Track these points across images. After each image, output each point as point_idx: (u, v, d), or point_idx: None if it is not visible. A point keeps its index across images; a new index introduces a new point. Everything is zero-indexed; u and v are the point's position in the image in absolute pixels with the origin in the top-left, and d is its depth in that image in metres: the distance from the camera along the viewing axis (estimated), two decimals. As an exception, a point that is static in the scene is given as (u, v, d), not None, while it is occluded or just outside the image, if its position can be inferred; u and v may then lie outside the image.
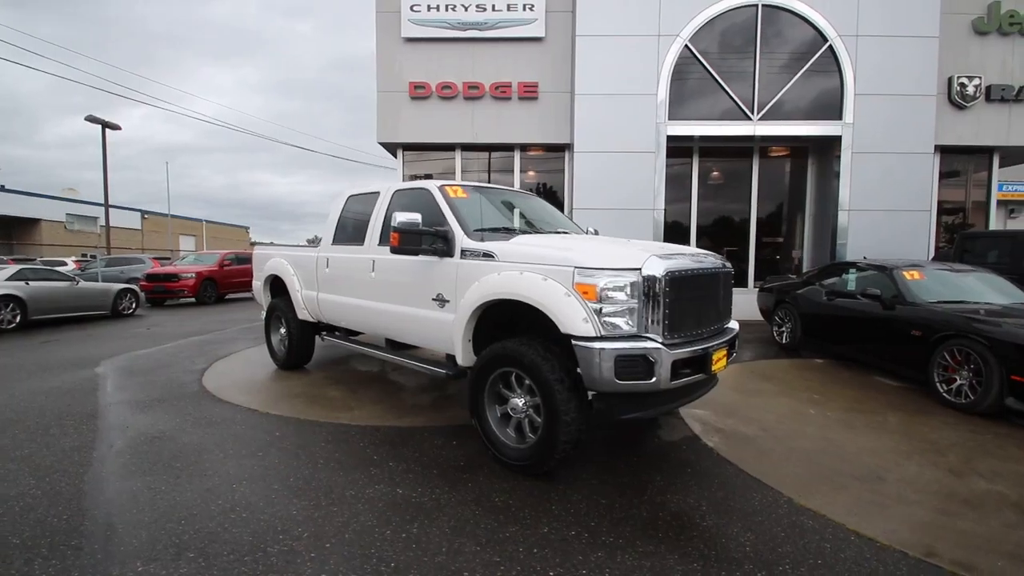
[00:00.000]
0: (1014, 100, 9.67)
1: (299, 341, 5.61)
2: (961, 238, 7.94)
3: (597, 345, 2.80)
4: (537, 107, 9.92)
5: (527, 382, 3.14)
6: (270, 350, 6.06)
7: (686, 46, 9.32)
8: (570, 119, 9.90)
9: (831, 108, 9.40)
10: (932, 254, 9.81)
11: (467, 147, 10.33)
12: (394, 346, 4.68)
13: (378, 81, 9.91)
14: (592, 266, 2.91)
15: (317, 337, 5.58)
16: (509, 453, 3.21)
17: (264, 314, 6.32)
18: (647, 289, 2.89)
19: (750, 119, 9.43)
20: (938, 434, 3.98)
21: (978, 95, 9.61)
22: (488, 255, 3.40)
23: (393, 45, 9.86)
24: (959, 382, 4.61)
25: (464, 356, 3.55)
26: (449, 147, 10.36)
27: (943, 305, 5.09)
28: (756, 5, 9.24)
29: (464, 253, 3.57)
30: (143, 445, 3.56)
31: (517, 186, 10.37)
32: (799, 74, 9.35)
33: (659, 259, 2.98)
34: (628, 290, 2.86)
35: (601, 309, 2.84)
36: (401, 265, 4.03)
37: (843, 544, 2.45)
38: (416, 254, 3.72)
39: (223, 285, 14.52)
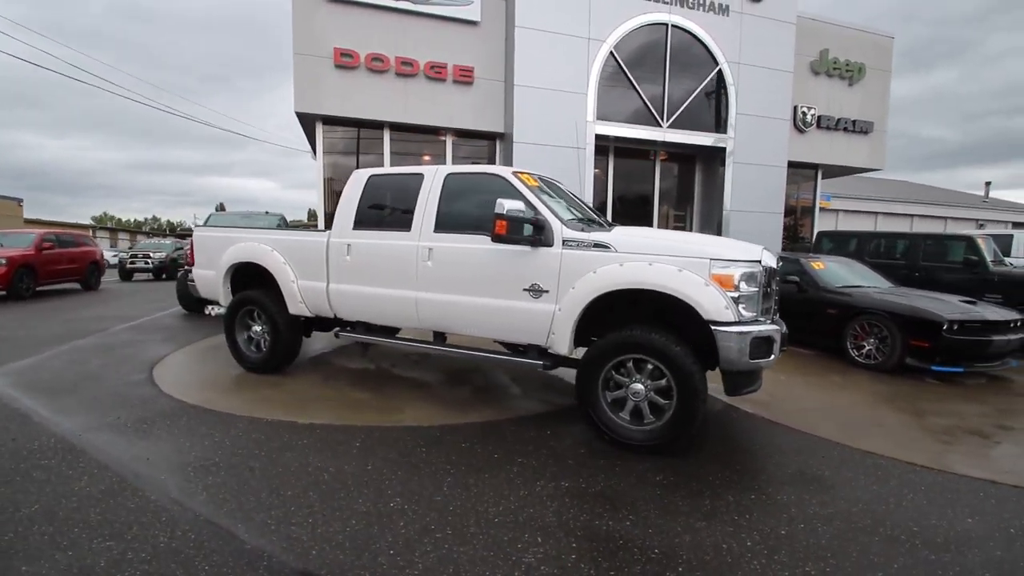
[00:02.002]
0: (834, 128, 12.55)
1: (288, 340, 4.86)
2: (819, 235, 10.16)
3: (737, 329, 3.12)
4: (472, 92, 9.77)
5: (649, 367, 3.33)
6: (235, 352, 5.10)
7: (611, 53, 10.08)
8: (504, 108, 9.98)
9: (721, 122, 11.08)
10: (780, 247, 12.27)
11: (397, 126, 9.72)
12: (436, 339, 4.39)
13: (295, 42, 8.72)
14: (728, 258, 3.21)
15: (312, 332, 4.90)
16: (634, 435, 3.35)
17: (217, 310, 5.31)
18: (762, 279, 3.30)
19: (660, 126, 10.62)
20: (874, 387, 5.19)
21: (812, 122, 12.25)
22: (601, 246, 3.46)
23: (313, 3, 8.75)
24: (867, 348, 6.04)
25: (567, 346, 3.56)
26: (377, 124, 9.62)
27: (848, 289, 6.57)
28: (666, 24, 10.38)
29: (567, 243, 3.56)
30: (216, 476, 2.85)
31: (449, 172, 10.10)
32: (698, 90, 10.81)
33: (767, 253, 3.41)
34: (756, 279, 3.23)
35: (737, 297, 3.16)
36: (476, 255, 3.83)
37: (910, 471, 3.19)
38: (517, 243, 3.59)
39: (44, 274, 11.32)
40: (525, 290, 3.67)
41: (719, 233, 11.34)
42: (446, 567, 2.09)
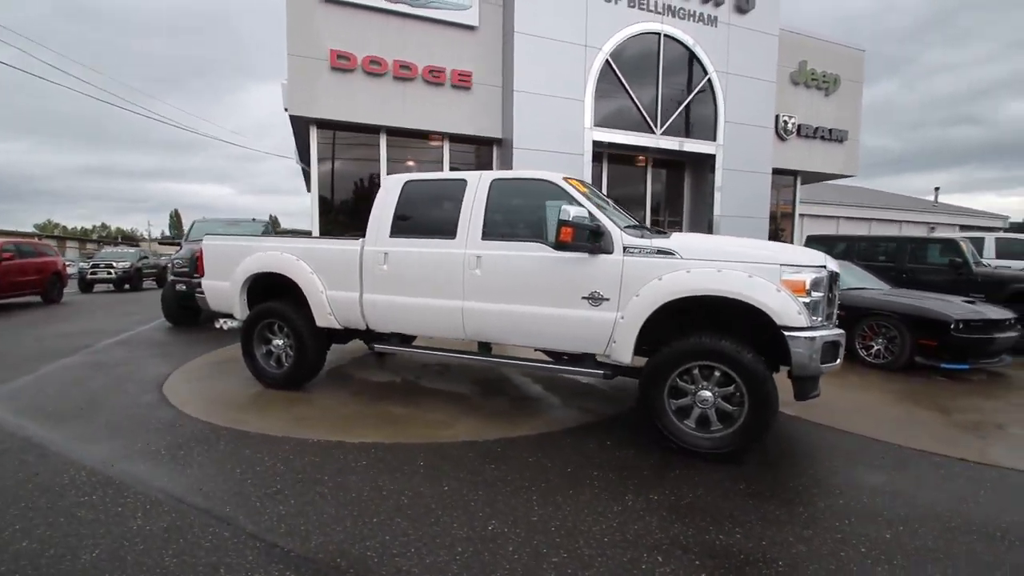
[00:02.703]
0: (812, 136, 13.06)
1: (314, 354, 4.61)
2: (809, 239, 10.53)
3: (809, 334, 3.13)
4: (470, 97, 9.66)
5: (717, 374, 3.31)
6: (253, 367, 4.81)
7: (607, 60, 10.17)
8: (502, 114, 9.91)
9: (709, 130, 11.34)
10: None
11: (393, 131, 9.49)
12: (481, 350, 4.25)
13: (289, 42, 8.40)
14: (798, 263, 3.23)
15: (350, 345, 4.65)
16: (702, 443, 3.31)
17: (230, 324, 5.01)
18: (827, 284, 3.33)
19: (654, 132, 10.78)
20: (891, 386, 5.35)
21: (793, 130, 12.71)
22: (666, 252, 3.42)
23: (309, 3, 8.47)
24: (876, 347, 6.24)
25: (629, 354, 3.50)
26: (374, 129, 9.37)
27: (853, 291, 6.78)
28: (659, 34, 10.57)
29: (628, 250, 3.51)
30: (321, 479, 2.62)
31: (446, 177, 9.95)
32: (689, 98, 11.04)
33: (830, 258, 3.45)
34: (823, 285, 3.26)
35: (808, 302, 3.18)
36: (531, 262, 3.73)
37: (967, 468, 3.27)
38: (579, 251, 3.51)
39: (3, 286, 10.47)
40: (584, 298, 3.60)
41: (709, 238, 11.57)
42: (581, 594, 1.98)
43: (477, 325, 3.96)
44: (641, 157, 11.82)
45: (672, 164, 12.25)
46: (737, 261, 3.29)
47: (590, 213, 3.55)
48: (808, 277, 3.19)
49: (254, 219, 10.06)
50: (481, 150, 10.40)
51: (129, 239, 64.62)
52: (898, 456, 3.49)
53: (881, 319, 6.17)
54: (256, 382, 4.82)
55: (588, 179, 10.15)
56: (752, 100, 11.59)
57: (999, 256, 9.47)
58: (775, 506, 2.73)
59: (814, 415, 4.26)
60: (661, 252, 3.44)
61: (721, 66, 11.13)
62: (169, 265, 8.36)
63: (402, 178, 4.38)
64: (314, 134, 9.04)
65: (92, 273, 16.26)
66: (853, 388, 5.26)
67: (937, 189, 33.18)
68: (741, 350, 3.20)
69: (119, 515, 2.50)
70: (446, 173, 4.39)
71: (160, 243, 11.33)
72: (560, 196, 3.83)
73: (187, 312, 8.23)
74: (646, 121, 10.69)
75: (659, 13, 10.44)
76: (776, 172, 12.80)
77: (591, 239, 3.51)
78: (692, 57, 10.93)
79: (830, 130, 13.30)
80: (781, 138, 12.60)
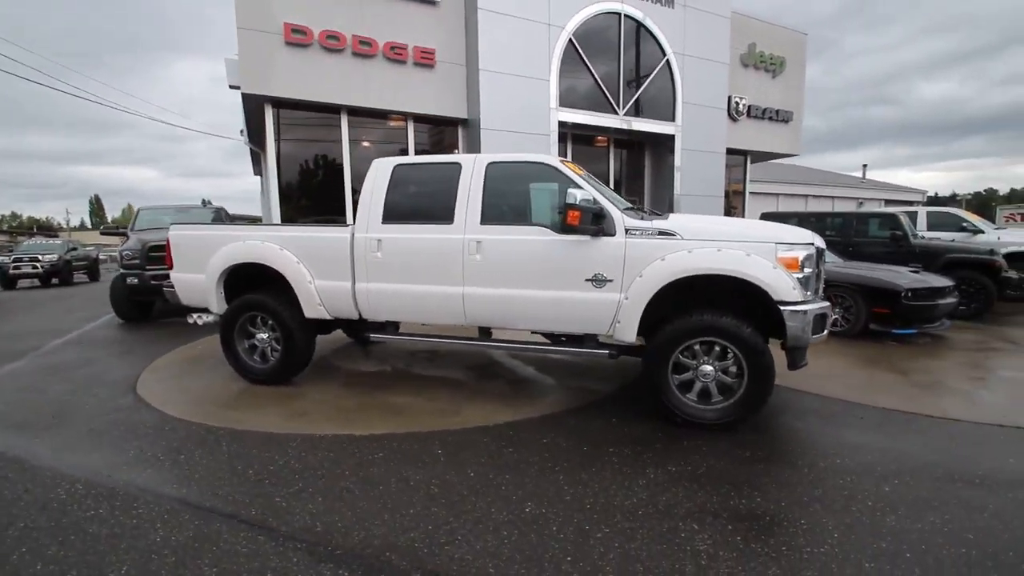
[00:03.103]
0: (761, 117, 13.63)
1: (303, 346, 4.45)
2: (763, 216, 11.06)
3: (802, 308, 3.34)
4: (434, 76, 9.39)
5: (717, 348, 3.48)
6: (236, 363, 4.58)
7: (570, 40, 10.13)
8: (467, 93, 9.71)
9: (669, 111, 11.60)
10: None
11: (355, 111, 9.10)
12: (482, 335, 4.24)
13: (238, 15, 7.82)
14: (791, 241, 3.41)
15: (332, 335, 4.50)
16: (706, 415, 3.48)
17: (206, 318, 4.74)
18: (816, 259, 3.55)
19: (617, 113, 10.90)
20: (851, 351, 5.79)
21: (743, 111, 13.21)
22: (667, 233, 3.52)
23: (259, -28, 7.89)
24: (834, 316, 6.71)
25: (633, 334, 3.61)
26: (334, 108, 8.95)
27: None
28: (619, 13, 10.62)
29: (630, 232, 3.58)
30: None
31: (412, 159, 9.69)
32: (648, 79, 11.22)
33: (816, 236, 3.66)
34: (813, 260, 3.46)
35: (801, 278, 3.38)
36: (533, 246, 3.74)
37: (935, 424, 3.63)
38: (583, 234, 3.55)
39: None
40: (587, 280, 3.65)
41: (670, 216, 11.93)
42: (633, 566, 2.07)
43: (478, 310, 3.95)
44: (603, 137, 11.96)
45: (633, 144, 12.46)
46: (735, 240, 3.43)
47: (593, 196, 3.58)
48: (800, 254, 3.38)
49: (204, 202, 9.43)
50: (445, 131, 10.17)
51: (45, 229, 58.97)
52: (873, 416, 3.81)
53: (838, 290, 6.62)
54: (238, 378, 4.60)
55: (555, 160, 10.18)
56: (707, 82, 11.93)
57: (930, 228, 10.34)
58: (781, 469, 2.93)
59: (790, 382, 4.55)
60: (663, 233, 3.53)
61: (678, 47, 11.36)
62: (118, 257, 7.73)
63: (391, 162, 4.24)
64: (269, 114, 8.52)
65: (15, 267, 14.79)
66: (819, 355, 5.64)
67: (865, 166, 35.60)
68: (741, 325, 3.37)
69: (137, 528, 2.36)
70: (437, 156, 4.30)
71: (103, 233, 10.25)
72: (559, 179, 3.84)
73: (139, 307, 7.69)
74: (609, 102, 10.79)
75: (620, -8, 10.47)
76: (728, 152, 13.30)
77: (594, 222, 3.56)
78: (651, 38, 11.08)
79: (777, 111, 13.93)
80: (733, 119, 13.07)
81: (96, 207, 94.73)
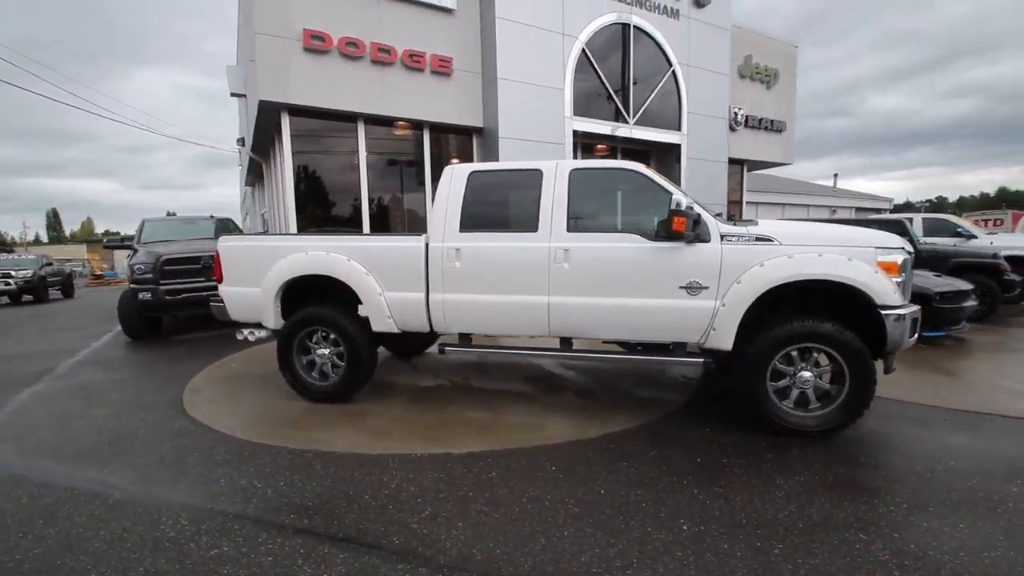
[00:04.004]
0: (757, 127, 14.00)
1: (369, 361, 4.26)
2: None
3: (903, 311, 3.36)
4: (451, 84, 9.30)
5: (815, 354, 3.46)
6: (295, 381, 4.34)
7: (583, 50, 10.21)
8: (482, 102, 9.65)
9: (675, 120, 11.79)
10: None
11: (371, 119, 8.91)
12: (563, 345, 4.13)
13: (257, 20, 7.59)
14: (890, 246, 3.44)
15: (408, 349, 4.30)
16: (806, 422, 3.45)
17: (258, 334, 4.50)
18: (910, 264, 3.58)
19: (627, 122, 11.02)
20: (892, 355, 5.91)
21: (742, 121, 13.54)
22: (764, 239, 3.50)
23: (277, -24, 7.68)
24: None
25: (731, 341, 3.56)
26: (351, 117, 8.74)
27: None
28: (629, 25, 10.77)
29: (726, 238, 3.55)
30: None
31: (428, 168, 9.56)
32: (656, 89, 11.39)
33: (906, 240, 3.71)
34: (909, 265, 3.50)
35: (900, 282, 3.40)
36: (625, 253, 3.66)
37: (1012, 423, 3.70)
38: (678, 240, 3.50)
39: None
40: (681, 288, 3.60)
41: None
42: (833, 583, 1.99)
43: (564, 320, 3.84)
44: (610, 146, 12.04)
45: (639, 153, 12.59)
46: (835, 245, 3.44)
47: (691, 202, 3.54)
48: (899, 258, 3.41)
49: (212, 216, 9.05)
50: (460, 139, 10.07)
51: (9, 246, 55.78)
52: (952, 417, 3.85)
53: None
54: (292, 396, 4.37)
55: (569, 169, 10.18)
56: (710, 92, 12.19)
57: (926, 234, 10.74)
58: (906, 475, 2.91)
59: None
60: (760, 239, 3.51)
61: (683, 58, 11.58)
62: (127, 271, 7.31)
63: (466, 168, 4.12)
64: (286, 122, 8.26)
65: (-15, 284, 13.86)
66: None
67: (836, 176, 36.96)
68: (843, 330, 3.36)
69: (277, 566, 2.15)
70: (513, 163, 4.17)
71: (105, 246, 9.71)
72: (648, 186, 3.80)
73: (149, 324, 7.27)
74: (619, 111, 10.90)
75: (629, 4, 10.63)
76: (728, 161, 13.60)
77: (691, 228, 3.51)
78: (658, 48, 11.26)
79: (771, 121, 14.35)
80: (732, 129, 13.38)
81: (53, 220, 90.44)
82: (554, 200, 3.85)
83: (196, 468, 3.11)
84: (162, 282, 6.88)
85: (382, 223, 9.34)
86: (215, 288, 7.13)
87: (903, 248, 3.51)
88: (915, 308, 3.50)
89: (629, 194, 4.00)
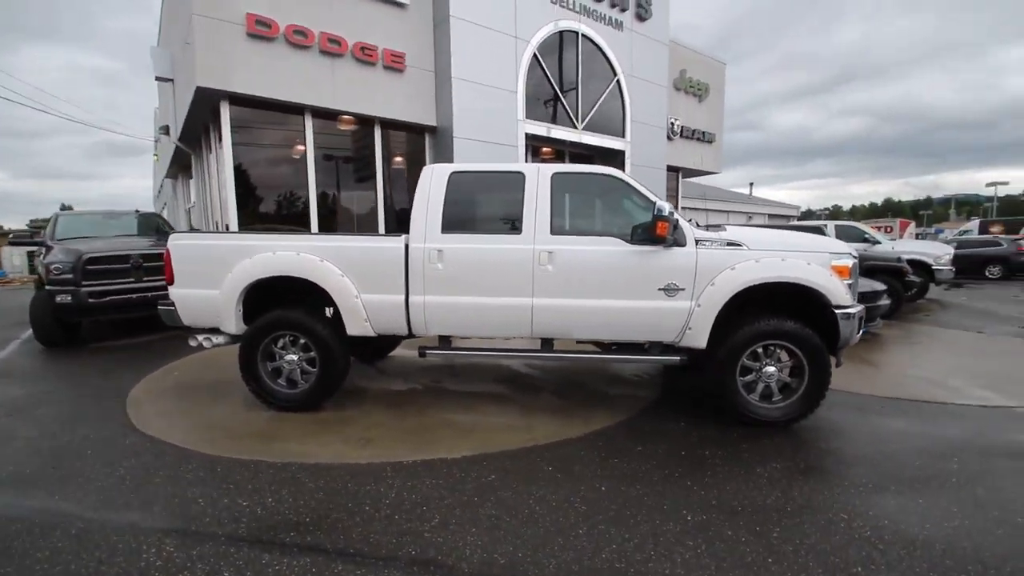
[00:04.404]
0: (690, 137, 14.86)
1: (342, 367, 4.09)
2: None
3: (853, 311, 3.73)
4: (403, 81, 9.09)
5: (778, 351, 3.76)
6: (260, 389, 4.06)
7: (535, 54, 10.35)
8: (435, 100, 9.52)
9: (619, 127, 12.25)
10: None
11: (319, 112, 8.52)
12: (544, 347, 4.17)
13: (196, 0, 7.01)
14: (842, 251, 3.80)
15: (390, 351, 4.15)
16: (772, 414, 3.74)
17: (216, 340, 4.19)
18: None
19: (576, 127, 11.30)
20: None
21: (678, 131, 14.32)
22: (734, 244, 3.75)
23: (217, -46, 7.14)
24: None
25: (705, 339, 3.78)
26: (297, 109, 8.30)
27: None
28: (577, 33, 11.06)
29: (700, 243, 3.77)
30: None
31: (379, 166, 9.30)
32: (603, 97, 11.77)
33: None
34: (856, 269, 3.88)
35: (850, 284, 3.77)
36: (608, 256, 3.78)
37: (931, 408, 4.22)
38: (656, 244, 3.66)
39: None
40: (660, 289, 3.77)
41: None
42: (833, 559, 2.18)
43: (547, 322, 3.89)
44: (548, 149, 12.28)
45: (584, 158, 12.94)
46: (796, 251, 3.75)
47: (670, 209, 3.72)
48: (849, 262, 3.78)
49: (137, 211, 8.23)
50: (412, 137, 9.87)
51: None
52: (887, 404, 4.31)
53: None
54: (253, 406, 4.11)
55: (522, 171, 10.29)
56: (651, 102, 12.79)
57: (838, 239, 11.97)
58: (869, 457, 3.24)
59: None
60: (731, 244, 3.76)
61: (627, 69, 12.07)
62: (41, 271, 6.48)
63: (447, 168, 4.06)
64: (226, 111, 7.70)
65: None
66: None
67: (752, 184, 40.01)
68: (804, 328, 3.68)
69: (289, 586, 2.03)
70: (493, 165, 4.16)
71: (12, 243, 8.42)
72: (626, 191, 3.94)
73: (66, 329, 6.50)
74: (569, 116, 11.16)
75: (577, 12, 10.92)
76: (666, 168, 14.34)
77: (671, 233, 3.68)
78: (604, 58, 11.66)
79: (703, 132, 15.29)
80: (669, 138, 14.12)
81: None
82: (537, 203, 3.89)
83: (166, 488, 2.84)
84: (84, 283, 6.17)
85: (331, 221, 8.96)
86: (145, 290, 6.61)
87: (851, 254, 3.89)
88: (861, 308, 3.89)
89: (607, 199, 4.13)
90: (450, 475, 2.99)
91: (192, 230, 9.40)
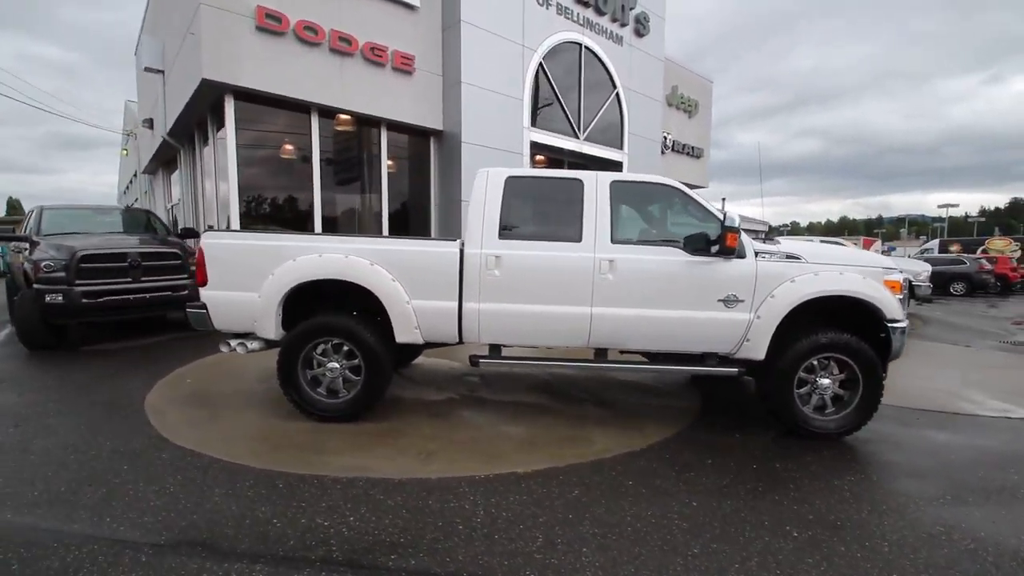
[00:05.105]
0: (681, 152, 15.19)
1: (388, 375, 3.90)
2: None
3: (903, 325, 3.81)
4: (411, 83, 8.93)
5: (831, 363, 3.80)
6: (300, 399, 3.83)
7: (540, 64, 10.37)
8: (442, 104, 9.39)
9: (617, 139, 12.39)
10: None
11: (326, 111, 8.26)
12: (598, 356, 4.09)
13: (204, -12, 6.70)
14: (893, 267, 3.88)
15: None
16: (828, 426, 3.76)
17: (251, 346, 3.94)
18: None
19: (578, 138, 11.36)
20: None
21: (670, 145, 14.62)
22: (794, 257, 3.79)
23: (229, -57, 6.86)
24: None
25: (764, 351, 3.78)
26: (304, 107, 8.02)
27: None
28: (580, 45, 11.16)
29: (760, 255, 3.78)
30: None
31: (384, 168, 9.09)
32: (603, 109, 11.90)
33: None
34: (907, 284, 3.98)
35: (901, 299, 3.85)
36: (670, 266, 3.75)
37: (966, 420, 4.36)
38: (718, 256, 3.66)
39: None
40: (719, 300, 3.76)
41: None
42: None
43: (605, 331, 3.82)
44: (541, 157, 12.30)
45: (582, 168, 13.02)
46: (852, 265, 3.81)
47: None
48: (900, 278, 3.87)
49: (128, 207, 7.74)
50: (417, 141, 9.69)
51: None
52: (921, 416, 4.42)
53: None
54: (286, 417, 3.88)
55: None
56: (647, 116, 13.02)
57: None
58: (928, 470, 3.29)
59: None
60: (790, 257, 3.79)
61: (626, 82, 12.25)
62: (28, 268, 5.97)
63: (502, 172, 3.96)
64: (231, 107, 7.36)
65: None
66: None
67: (724, 200, 41.21)
68: (860, 342, 3.73)
69: (415, 616, 1.86)
70: (551, 171, 4.09)
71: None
72: (684, 201, 3.93)
73: (56, 332, 6.02)
74: (571, 126, 11.22)
75: (581, 25, 11.02)
76: (657, 181, 14.54)
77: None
78: (605, 70, 11.80)
79: (692, 147, 15.67)
80: (662, 152, 14.40)
81: None
82: (597, 211, 3.83)
83: (231, 508, 2.60)
84: (78, 282, 5.74)
85: (334, 223, 8.67)
86: (145, 291, 6.20)
87: (899, 269, 3.99)
88: (907, 323, 3.99)
89: (663, 208, 4.11)
90: (531, 491, 2.86)
91: (228, 229, 8.93)
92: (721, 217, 3.77)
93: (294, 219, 8.24)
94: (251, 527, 2.43)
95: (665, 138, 14.37)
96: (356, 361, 3.86)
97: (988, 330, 9.65)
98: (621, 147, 12.45)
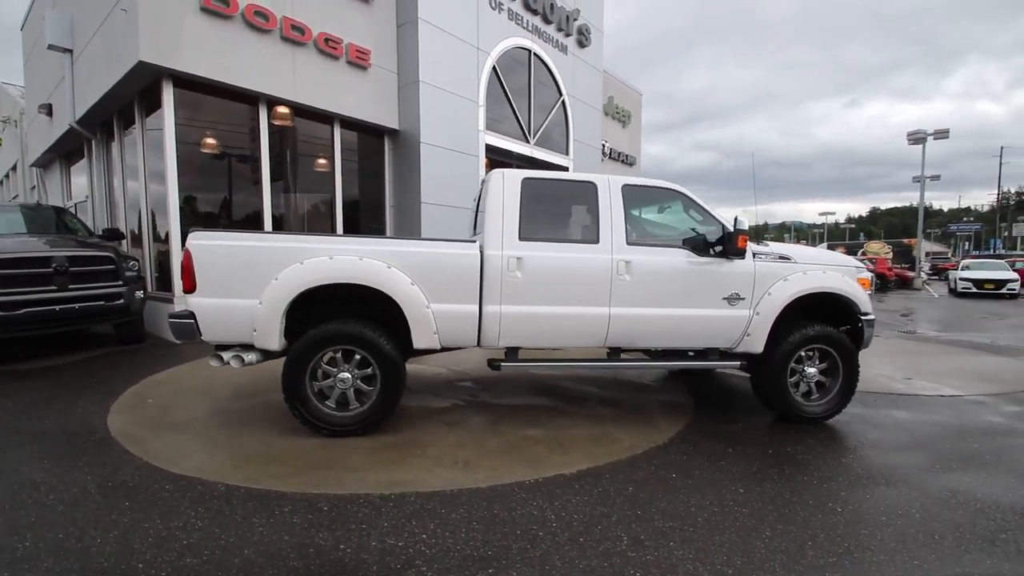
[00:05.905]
0: (616, 159, 15.90)
1: (403, 383, 3.71)
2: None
3: (871, 318, 4.30)
4: (367, 79, 8.54)
5: (815, 354, 4.20)
6: (308, 413, 3.52)
7: (494, 67, 10.37)
8: (398, 103, 9.09)
9: (563, 145, 12.70)
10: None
11: (275, 102, 7.66)
12: (612, 355, 4.16)
13: (139, -41, 5.95)
14: (860, 266, 4.36)
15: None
16: (815, 411, 4.14)
17: (249, 358, 3.57)
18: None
19: (528, 142, 11.50)
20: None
21: (608, 153, 15.24)
22: (785, 257, 4.13)
23: (169, -87, 6.15)
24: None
25: (762, 345, 4.08)
26: (251, 98, 7.37)
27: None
28: (530, 51, 11.32)
29: (757, 256, 4.08)
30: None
31: (339, 167, 8.62)
32: (551, 115, 12.14)
33: (856, 261, 4.72)
34: (873, 279, 4.48)
35: (869, 294, 4.34)
36: (680, 267, 3.93)
37: (911, 399, 5.01)
38: (722, 256, 3.90)
39: None
40: (724, 298, 4.01)
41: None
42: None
43: (621, 331, 3.92)
44: (485, 161, 12.32)
45: (527, 172, 13.19)
46: (831, 264, 4.23)
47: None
48: (868, 275, 4.36)
49: (39, 204, 6.65)
50: (370, 139, 9.27)
51: None
52: (876, 399, 5.00)
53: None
54: (286, 432, 3.58)
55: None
56: (588, 124, 13.48)
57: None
58: (909, 442, 3.74)
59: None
60: (782, 257, 4.13)
61: (571, 90, 12.61)
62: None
63: (518, 174, 3.92)
64: (169, 93, 6.58)
65: None
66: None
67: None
68: (840, 333, 4.15)
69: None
70: (564, 174, 4.10)
71: None
72: (689, 205, 4.14)
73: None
74: (522, 130, 11.33)
75: (531, 32, 11.19)
76: (596, 186, 15.11)
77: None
78: (552, 77, 12.06)
79: (626, 155, 16.46)
80: (601, 159, 14.97)
81: None
82: (612, 213, 3.92)
83: (284, 538, 2.33)
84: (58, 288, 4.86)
85: (282, 222, 8.05)
86: (74, 300, 5.37)
87: (865, 268, 4.50)
88: (873, 316, 4.49)
89: (670, 211, 4.29)
90: (586, 491, 2.86)
91: (219, 228, 7.83)
92: (722, 221, 4.04)
93: (242, 219, 7.53)
94: (319, 556, 2.20)
95: (603, 145, 14.97)
96: (369, 370, 3.63)
97: (885, 322, 11.11)
98: (567, 153, 12.78)
